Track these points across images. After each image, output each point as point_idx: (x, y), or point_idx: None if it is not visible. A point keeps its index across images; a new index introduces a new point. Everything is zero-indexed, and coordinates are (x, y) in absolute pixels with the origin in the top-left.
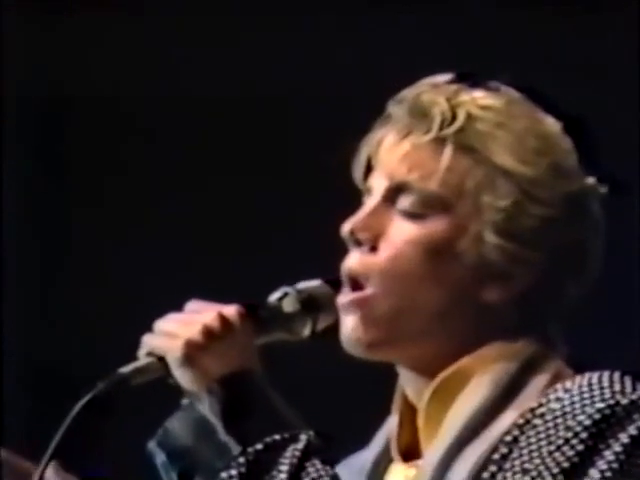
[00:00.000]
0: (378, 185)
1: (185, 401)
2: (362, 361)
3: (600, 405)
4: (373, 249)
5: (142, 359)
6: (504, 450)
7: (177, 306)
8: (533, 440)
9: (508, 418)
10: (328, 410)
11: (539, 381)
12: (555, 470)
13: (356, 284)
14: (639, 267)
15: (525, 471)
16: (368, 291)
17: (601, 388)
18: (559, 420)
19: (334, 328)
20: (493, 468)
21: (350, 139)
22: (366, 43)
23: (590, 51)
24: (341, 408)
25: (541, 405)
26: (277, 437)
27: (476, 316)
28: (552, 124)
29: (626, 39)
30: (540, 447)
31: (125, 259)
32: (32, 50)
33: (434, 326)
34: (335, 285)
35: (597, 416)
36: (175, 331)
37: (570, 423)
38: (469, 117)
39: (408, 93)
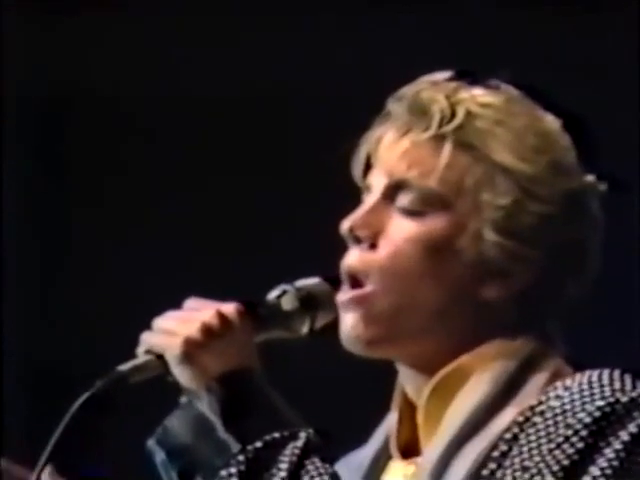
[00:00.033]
0: (377, 183)
1: (184, 399)
2: (361, 359)
3: (600, 403)
4: (372, 246)
5: (141, 357)
6: (504, 448)
7: (177, 306)
8: (533, 438)
9: (508, 416)
10: (327, 408)
11: (539, 379)
12: (555, 468)
13: (355, 282)
14: (639, 267)
15: (525, 469)
16: (368, 288)
17: (601, 386)
18: (559, 418)
19: (333, 326)
20: (493, 466)
21: (350, 138)
22: (366, 43)
23: (590, 51)
24: (340, 406)
25: (541, 403)
26: (276, 435)
27: (475, 314)
28: (551, 122)
29: (626, 39)
30: (540, 445)
31: (125, 259)
32: (32, 50)
33: (433, 323)
34: (334, 283)
35: (597, 414)
36: (174, 329)
37: (570, 421)
38: (468, 114)
39: (407, 90)
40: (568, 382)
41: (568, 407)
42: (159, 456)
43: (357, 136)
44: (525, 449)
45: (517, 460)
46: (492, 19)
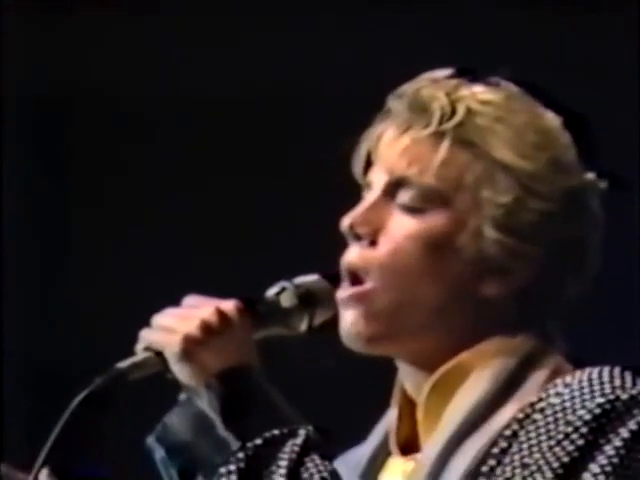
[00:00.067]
0: (378, 180)
1: (183, 396)
2: (361, 356)
3: (600, 400)
4: (373, 243)
5: (140, 354)
6: (503, 444)
7: (177, 305)
8: (533, 435)
9: (508, 413)
10: (326, 405)
11: (539, 376)
12: (555, 465)
13: (355, 278)
14: (639, 265)
15: (525, 466)
16: (368, 285)
17: (601, 383)
18: (559, 415)
19: (331, 323)
20: (492, 462)
21: (350, 137)
22: (366, 43)
23: (590, 51)
24: (338, 403)
25: (541, 400)
26: (276, 432)
27: (475, 311)
28: (552, 119)
29: (626, 39)
30: (540, 442)
31: (125, 259)
32: (32, 50)
33: (434, 321)
34: (333, 280)
35: (597, 411)
36: (173, 326)
37: (570, 418)
38: (469, 112)
39: (408, 88)
40: (568, 379)
41: (568, 404)
42: (159, 453)
43: (357, 134)
44: (525, 446)
45: (517, 457)
46: (492, 19)
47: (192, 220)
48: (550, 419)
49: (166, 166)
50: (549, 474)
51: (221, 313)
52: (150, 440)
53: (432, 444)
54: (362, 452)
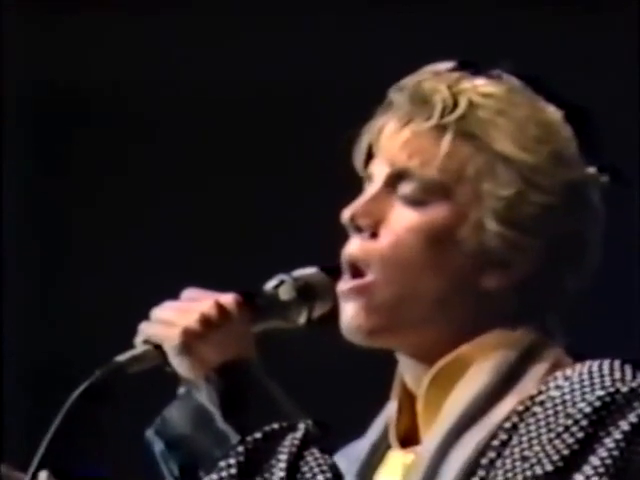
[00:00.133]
0: (379, 172)
1: (182, 390)
2: (360, 349)
3: (600, 393)
4: (374, 235)
5: (139, 347)
6: (503, 437)
7: (176, 299)
8: (533, 427)
9: (507, 405)
10: (325, 399)
11: (539, 369)
12: (555, 457)
13: (356, 271)
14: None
15: (524, 458)
16: (369, 278)
17: (601, 376)
18: (559, 408)
19: (330, 316)
20: (492, 454)
21: (350, 132)
22: (366, 43)
23: (590, 51)
24: (338, 396)
25: (541, 393)
26: (276, 426)
27: (476, 303)
28: (553, 112)
29: (626, 39)
30: (540, 434)
31: (125, 259)
32: (32, 50)
33: (434, 313)
34: (331, 273)
35: (597, 404)
36: (172, 319)
37: (570, 411)
38: (470, 104)
39: (409, 81)
40: (568, 372)
41: (568, 397)
42: (158, 446)
43: (358, 128)
44: (525, 439)
45: (517, 449)
46: (492, 19)
47: (192, 220)
48: (550, 412)
49: (166, 166)
50: (549, 467)
51: (220, 306)
52: (149, 433)
53: (432, 437)
54: (362, 446)
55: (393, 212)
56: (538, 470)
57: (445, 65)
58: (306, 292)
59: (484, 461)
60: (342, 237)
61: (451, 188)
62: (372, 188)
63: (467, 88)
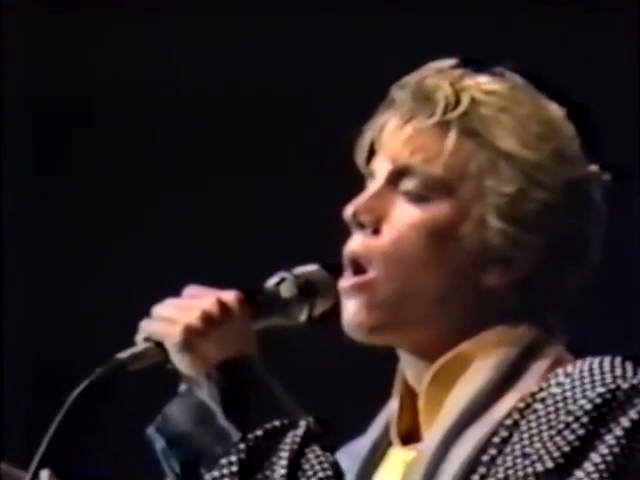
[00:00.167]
0: (381, 169)
1: (183, 387)
2: (362, 346)
3: (601, 389)
4: (376, 232)
5: (140, 344)
6: (504, 434)
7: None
8: (534, 424)
9: (508, 402)
10: (327, 396)
11: (540, 366)
12: (556, 454)
13: (358, 267)
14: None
15: (525, 455)
16: (370, 275)
17: (602, 372)
18: (560, 404)
19: (331, 313)
20: (493, 451)
21: (350, 131)
22: (366, 43)
23: (590, 51)
24: (339, 394)
25: (542, 389)
26: (277, 423)
27: (477, 300)
28: (556, 110)
29: (626, 39)
30: (541, 431)
31: (125, 259)
32: (32, 50)
33: (436, 310)
34: (332, 270)
35: (598, 400)
36: (173, 316)
37: (571, 407)
38: (473, 101)
39: (411, 78)
40: (569, 369)
41: (569, 394)
42: (159, 444)
43: (359, 128)
44: (526, 435)
45: (518, 446)
46: (492, 19)
47: (192, 220)
48: (551, 409)
49: (166, 166)
50: (550, 463)
51: (222, 303)
52: (150, 431)
53: (433, 434)
54: (363, 443)
55: (395, 209)
56: (539, 467)
57: (447, 62)
58: (307, 289)
59: (485, 458)
60: (342, 237)
61: (453, 185)
62: (374, 185)
63: (470, 85)
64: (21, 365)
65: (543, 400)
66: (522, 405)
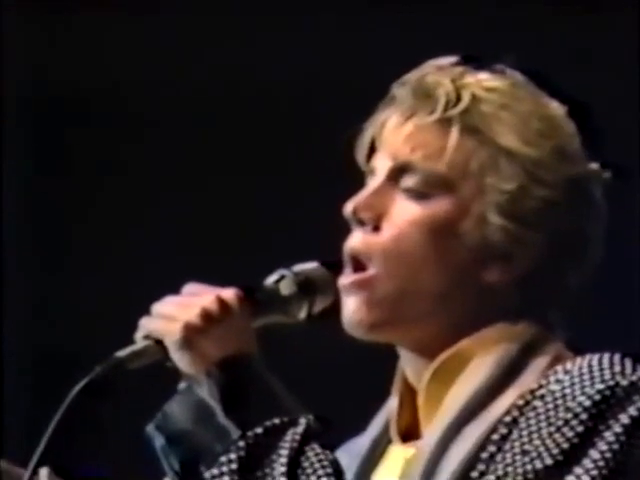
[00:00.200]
0: (382, 166)
1: (183, 384)
2: (361, 343)
3: (600, 386)
4: (376, 229)
5: (139, 342)
6: (503, 431)
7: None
8: (533, 421)
9: (508, 399)
10: (326, 394)
11: (539, 363)
12: (555, 451)
13: (358, 265)
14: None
15: (525, 452)
16: (370, 272)
17: (601, 369)
18: (559, 401)
19: (331, 311)
20: (492, 449)
21: (351, 130)
22: (366, 43)
23: (590, 51)
24: (339, 391)
25: (541, 387)
26: (277, 421)
27: (477, 297)
28: (556, 108)
29: (626, 39)
30: (540, 428)
31: (125, 259)
32: (32, 50)
33: (436, 307)
34: (332, 267)
35: (597, 397)
36: (173, 314)
37: (570, 404)
38: (474, 98)
39: (412, 75)
40: (568, 366)
41: (568, 391)
42: (159, 442)
43: (359, 126)
44: (525, 433)
45: (517, 444)
46: (492, 19)
47: (192, 220)
48: (550, 406)
49: (166, 166)
50: (549, 460)
51: (221, 301)
52: (150, 428)
53: (432, 431)
54: (363, 441)
55: (395, 205)
56: (538, 464)
57: (448, 59)
58: (307, 287)
59: (484, 455)
60: (342, 237)
61: (454, 182)
62: (374, 182)
63: (470, 82)
64: (21, 364)
65: (542, 397)
66: (521, 402)
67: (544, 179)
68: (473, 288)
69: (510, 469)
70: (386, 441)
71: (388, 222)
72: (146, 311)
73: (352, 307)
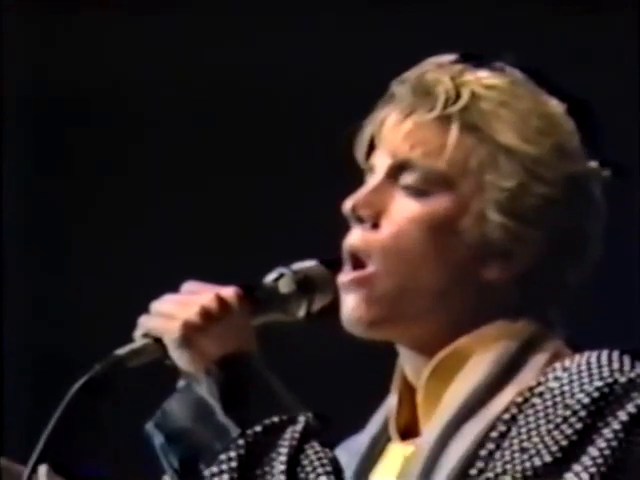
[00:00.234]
0: (381, 163)
1: (182, 383)
2: (361, 341)
3: (598, 383)
4: (375, 226)
5: (138, 341)
6: (502, 428)
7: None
8: (532, 419)
9: (507, 397)
10: (325, 392)
11: (538, 360)
12: (554, 448)
13: (357, 262)
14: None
15: (524, 450)
16: (370, 269)
17: (599, 367)
18: (558, 399)
19: (330, 308)
20: (491, 446)
21: (350, 128)
22: (366, 43)
23: (590, 51)
24: (338, 389)
25: (540, 384)
26: (276, 419)
27: (477, 295)
28: (556, 105)
29: (626, 39)
30: (539, 426)
31: (125, 259)
32: (32, 50)
33: (435, 305)
34: (331, 265)
35: (596, 394)
36: (172, 312)
37: (569, 402)
38: (473, 96)
39: (412, 73)
40: (567, 363)
41: (567, 388)
42: (158, 440)
43: (358, 125)
44: (524, 430)
45: (516, 441)
46: (492, 19)
47: (192, 220)
48: (549, 403)
49: (166, 166)
50: (548, 458)
51: (221, 299)
52: (149, 426)
53: (431, 428)
54: (362, 439)
55: (394, 203)
56: (537, 461)
57: (448, 57)
58: (306, 285)
59: (483, 452)
60: (342, 237)
61: (453, 179)
62: (374, 179)
63: (470, 80)
64: (21, 364)
65: (541, 394)
66: (520, 400)
67: (543, 177)
68: (472, 285)
69: (509, 466)
70: (385, 439)
71: (387, 219)
72: (146, 311)
73: (351, 304)
